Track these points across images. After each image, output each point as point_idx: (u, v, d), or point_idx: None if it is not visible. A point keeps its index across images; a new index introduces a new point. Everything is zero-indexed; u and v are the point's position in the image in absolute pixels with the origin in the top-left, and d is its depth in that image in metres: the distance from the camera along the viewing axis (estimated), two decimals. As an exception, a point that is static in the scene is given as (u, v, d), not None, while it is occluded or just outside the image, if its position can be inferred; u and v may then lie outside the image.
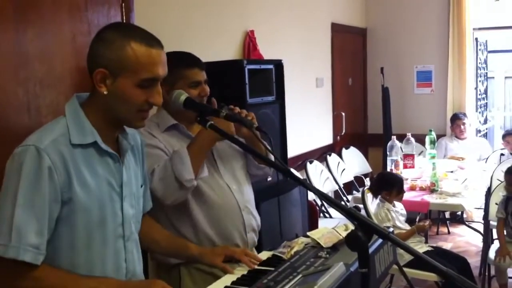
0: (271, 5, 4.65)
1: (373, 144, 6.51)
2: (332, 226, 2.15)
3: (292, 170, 4.63)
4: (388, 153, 4.91)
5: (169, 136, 2.15)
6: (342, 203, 5.08)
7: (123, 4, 2.73)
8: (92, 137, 1.50)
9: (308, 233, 2.08)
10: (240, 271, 1.90)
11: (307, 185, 1.67)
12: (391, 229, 3.07)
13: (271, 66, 3.64)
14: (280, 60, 3.73)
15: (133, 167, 1.67)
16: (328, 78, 5.86)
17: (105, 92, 1.48)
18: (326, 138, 5.83)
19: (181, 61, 2.15)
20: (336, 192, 5.40)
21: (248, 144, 2.14)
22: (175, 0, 3.46)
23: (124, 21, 2.71)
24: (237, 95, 3.17)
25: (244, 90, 3.27)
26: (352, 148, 6.10)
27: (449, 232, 5.76)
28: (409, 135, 5.03)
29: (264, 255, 2.05)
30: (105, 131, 1.54)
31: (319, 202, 4.81)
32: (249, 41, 4.19)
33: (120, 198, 1.57)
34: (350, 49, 6.39)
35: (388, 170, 4.77)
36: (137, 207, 1.68)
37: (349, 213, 1.35)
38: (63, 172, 1.44)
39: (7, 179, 1.43)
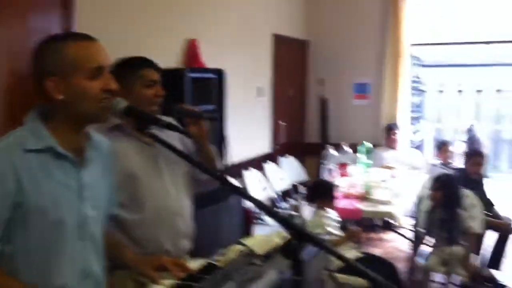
0: (214, 15, 4.71)
1: (310, 153, 6.67)
2: (267, 233, 2.21)
3: (230, 178, 4.70)
4: (324, 162, 5.05)
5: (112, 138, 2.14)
6: (279, 210, 5.20)
7: (65, 9, 2.73)
8: (48, 143, 1.55)
9: (242, 240, 2.12)
10: (171, 281, 1.89)
11: (242, 193, 1.70)
12: (324, 236, 3.19)
13: (213, 75, 3.69)
14: (222, 69, 3.79)
15: (100, 172, 1.71)
16: (269, 88, 5.97)
17: (61, 97, 1.55)
18: (265, 146, 5.94)
19: (136, 62, 2.21)
20: (273, 199, 5.50)
21: (197, 145, 2.21)
22: (118, 7, 3.46)
23: (66, 26, 2.70)
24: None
25: (185, 98, 3.31)
26: (289, 157, 6.23)
27: (380, 238, 5.97)
28: (344, 144, 5.20)
29: (199, 262, 2.06)
30: (67, 137, 1.59)
31: (255, 210, 4.89)
32: (192, 49, 4.24)
33: (79, 200, 1.61)
34: (291, 60, 6.54)
35: (324, 178, 4.91)
36: (101, 209, 1.72)
37: (283, 221, 1.39)
38: (12, 178, 1.48)
39: None
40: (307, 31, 6.81)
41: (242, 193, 1.71)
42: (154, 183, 2.19)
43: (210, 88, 3.66)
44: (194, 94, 3.36)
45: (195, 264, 2.04)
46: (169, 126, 1.97)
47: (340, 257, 1.32)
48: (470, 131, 7.35)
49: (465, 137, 7.25)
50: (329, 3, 6.78)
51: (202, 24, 4.49)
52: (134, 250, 2.09)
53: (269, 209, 1.58)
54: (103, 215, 1.76)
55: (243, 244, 2.10)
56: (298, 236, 1.33)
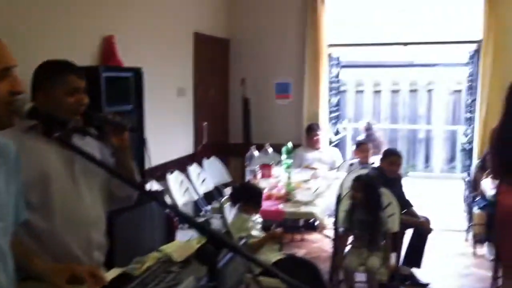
0: (132, 11, 4.56)
1: (234, 153, 6.64)
2: (187, 239, 2.15)
3: (152, 181, 4.57)
4: (247, 162, 5.03)
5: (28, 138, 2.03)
6: (202, 213, 5.12)
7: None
8: None
9: (161, 248, 2.06)
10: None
11: (160, 201, 1.66)
12: (244, 240, 3.14)
13: (130, 74, 3.57)
14: (140, 68, 3.67)
15: (4, 179, 1.58)
16: (190, 88, 5.87)
17: None
18: (187, 147, 5.83)
19: (59, 67, 2.10)
20: (196, 202, 5.41)
21: (117, 157, 2.12)
22: (31, 3, 3.26)
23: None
24: (92, 104, 3.06)
25: (101, 98, 3.17)
26: (213, 158, 6.16)
27: (303, 239, 6.03)
28: (267, 145, 5.19)
29: (114, 272, 1.99)
30: None
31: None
32: (108, 47, 4.07)
33: None
34: (213, 59, 6.47)
35: (247, 179, 4.89)
36: (8, 219, 1.59)
37: (198, 227, 1.36)
38: None
39: None
40: (228, 30, 6.77)
41: (160, 201, 1.65)
42: (67, 187, 2.08)
43: (128, 87, 3.53)
44: (109, 93, 3.23)
45: (110, 274, 1.97)
46: (85, 132, 1.88)
47: (255, 261, 1.30)
48: (368, 129, 7.53)
49: (363, 135, 7.43)
50: (251, 2, 6.77)
51: (120, 20, 4.33)
52: (45, 259, 1.97)
53: (184, 214, 1.53)
54: (10, 225, 1.62)
55: (162, 251, 2.04)
56: (214, 241, 1.30)
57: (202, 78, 6.08)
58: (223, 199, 4.07)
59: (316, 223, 5.88)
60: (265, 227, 4.04)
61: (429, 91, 10.01)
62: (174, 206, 1.45)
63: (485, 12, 5.93)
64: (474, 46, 6.36)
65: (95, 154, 2.01)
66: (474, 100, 6.32)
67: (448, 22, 8.46)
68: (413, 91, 10.07)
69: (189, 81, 5.86)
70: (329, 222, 5.40)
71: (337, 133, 7.23)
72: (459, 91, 9.59)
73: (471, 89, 6.48)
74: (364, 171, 4.96)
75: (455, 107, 9.80)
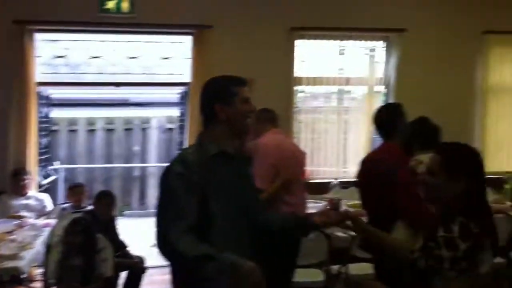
0: None
1: None
2: None
3: None
4: None
5: None
6: None
7: None
8: None
9: None
10: None
11: None
12: None
13: None
14: None
15: None
16: None
17: None
18: None
19: None
20: None
21: None
22: None
23: None
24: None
25: None
26: None
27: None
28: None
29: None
30: None
31: None
32: None
33: None
34: None
35: None
36: None
37: None
38: None
39: None
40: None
41: None
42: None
43: None
44: None
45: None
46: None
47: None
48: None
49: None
50: None
51: None
52: None
53: None
54: None
55: None
56: None
57: None
58: None
59: (22, 276, 5.36)
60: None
61: (144, 129, 10.24)
62: None
63: (193, 57, 6.32)
64: (184, 88, 6.70)
65: None
66: (184, 139, 6.64)
67: (161, 65, 8.90)
68: (128, 129, 10.18)
69: None
70: (37, 272, 5.00)
71: (47, 176, 6.81)
72: (172, 129, 10.03)
73: (182, 128, 6.81)
74: (78, 215, 4.74)
75: (168, 145, 10.20)
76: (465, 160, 2.13)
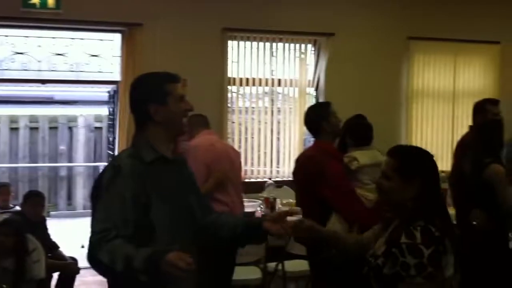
0: None
1: None
2: None
3: None
4: None
5: None
6: None
7: None
8: None
9: None
10: None
11: None
12: None
13: None
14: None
15: None
16: None
17: None
18: None
19: None
20: None
21: None
22: None
23: None
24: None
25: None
26: None
27: None
28: None
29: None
30: None
31: None
32: None
33: None
34: None
35: None
36: None
37: None
38: None
39: None
40: None
41: None
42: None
43: None
44: None
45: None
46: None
47: None
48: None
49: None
50: None
51: None
52: None
53: None
54: None
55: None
56: None
57: None
58: None
59: None
60: None
61: (70, 128, 9.97)
62: None
63: (122, 55, 6.22)
64: (113, 87, 6.59)
65: None
66: (115, 138, 6.53)
67: (89, 62, 8.70)
68: (53, 128, 9.87)
69: None
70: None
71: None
72: (100, 128, 9.82)
73: (112, 127, 6.68)
74: (7, 216, 4.61)
75: (96, 144, 9.98)
76: (420, 162, 2.14)
